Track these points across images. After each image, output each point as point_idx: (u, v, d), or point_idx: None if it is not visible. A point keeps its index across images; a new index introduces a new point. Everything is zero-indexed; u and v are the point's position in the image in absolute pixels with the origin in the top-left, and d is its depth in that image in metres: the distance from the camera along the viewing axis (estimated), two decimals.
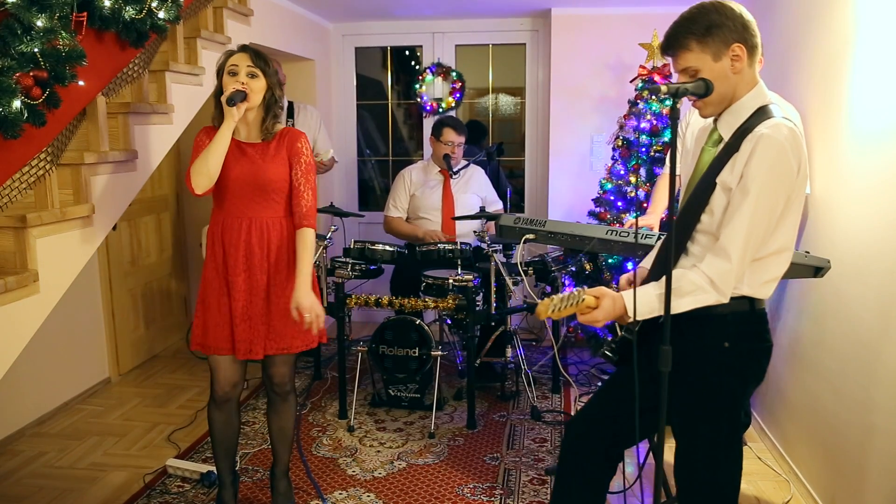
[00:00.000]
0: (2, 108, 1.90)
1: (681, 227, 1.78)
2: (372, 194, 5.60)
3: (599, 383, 4.03)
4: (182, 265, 5.08)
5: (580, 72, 4.69)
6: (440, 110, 5.15)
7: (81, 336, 3.94)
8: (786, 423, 3.08)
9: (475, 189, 4.23)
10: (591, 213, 4.16)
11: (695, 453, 1.84)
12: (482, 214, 3.77)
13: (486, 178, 4.34)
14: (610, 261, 3.94)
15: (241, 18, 3.63)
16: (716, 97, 1.73)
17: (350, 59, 5.29)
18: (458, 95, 5.16)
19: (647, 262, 2.00)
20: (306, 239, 2.40)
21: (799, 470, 2.88)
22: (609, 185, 4.10)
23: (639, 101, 4.05)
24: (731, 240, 1.66)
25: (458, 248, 3.70)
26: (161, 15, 2.58)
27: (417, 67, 5.27)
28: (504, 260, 3.98)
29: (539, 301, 1.69)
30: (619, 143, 4.08)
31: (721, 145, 1.76)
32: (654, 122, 3.97)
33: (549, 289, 3.86)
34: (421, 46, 5.23)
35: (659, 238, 2.75)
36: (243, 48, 2.40)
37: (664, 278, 1.58)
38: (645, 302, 1.68)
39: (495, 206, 4.28)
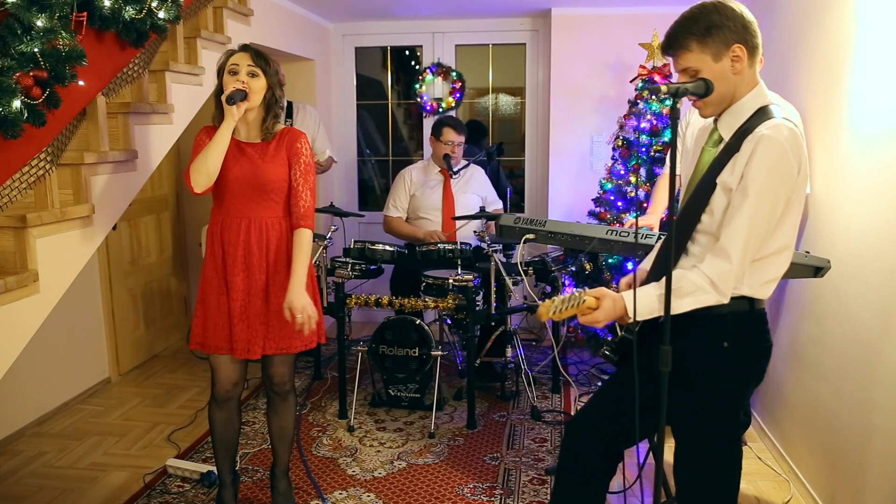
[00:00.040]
0: (2, 108, 1.90)
1: (681, 228, 1.78)
2: (372, 194, 5.60)
3: (599, 383, 4.03)
4: (182, 265, 5.08)
5: (580, 72, 4.69)
6: (440, 110, 5.15)
7: (81, 336, 3.94)
8: (786, 423, 3.08)
9: (475, 189, 4.23)
10: (591, 213, 4.16)
11: (694, 453, 1.85)
12: (482, 214, 3.77)
13: (486, 178, 4.34)
14: (610, 261, 3.94)
15: (241, 18, 3.63)
16: (716, 97, 1.72)
17: (350, 59, 5.29)
18: (458, 95, 5.16)
19: (647, 264, 2.00)
20: (302, 240, 2.40)
21: (799, 470, 2.88)
22: (609, 185, 4.10)
23: (639, 101, 4.05)
24: (732, 240, 1.66)
25: (458, 248, 3.70)
26: (161, 15, 2.58)
27: (417, 67, 5.27)
28: (504, 260, 3.98)
29: (539, 302, 1.69)
30: (619, 143, 4.08)
31: (721, 146, 1.76)
32: (654, 121, 3.97)
33: (549, 289, 3.86)
34: (421, 46, 5.23)
35: (659, 238, 2.75)
36: (244, 47, 2.40)
37: (664, 279, 1.58)
38: (645, 303, 1.69)
39: (495, 205, 4.28)
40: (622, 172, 4.04)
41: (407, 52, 5.39)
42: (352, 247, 3.84)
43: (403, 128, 5.58)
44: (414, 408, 3.66)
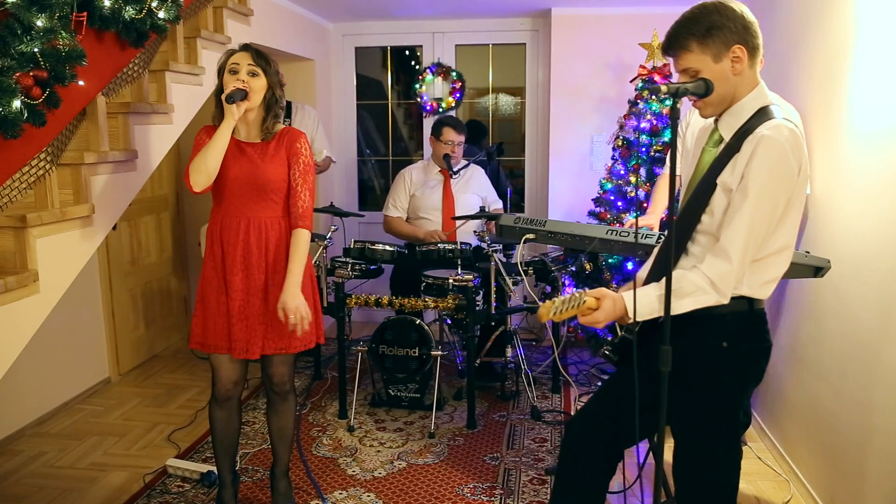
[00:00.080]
0: (2, 108, 1.90)
1: (681, 228, 1.78)
2: (372, 194, 5.60)
3: (599, 383, 4.03)
4: (182, 265, 5.08)
5: (580, 72, 4.69)
6: (440, 110, 5.15)
7: (81, 336, 3.94)
8: (786, 423, 3.08)
9: (475, 189, 4.23)
10: (591, 213, 4.16)
11: (694, 453, 1.85)
12: (482, 214, 3.77)
13: (486, 178, 4.34)
14: (610, 261, 3.94)
15: (241, 18, 3.63)
16: (716, 98, 1.72)
17: (350, 59, 5.29)
18: (458, 95, 5.16)
19: (643, 272, 1.99)
20: (300, 240, 2.40)
21: (799, 470, 2.88)
22: (609, 185, 4.10)
23: (639, 100, 4.05)
24: (732, 241, 1.66)
25: (458, 248, 3.70)
26: (161, 15, 2.58)
27: (417, 67, 5.27)
28: (504, 260, 3.98)
29: (539, 302, 1.69)
30: (619, 143, 4.08)
31: (722, 146, 1.76)
32: (654, 121, 3.97)
33: (549, 289, 3.86)
34: (421, 46, 5.23)
35: (659, 238, 2.75)
36: (245, 47, 2.40)
37: (664, 279, 1.58)
38: (645, 303, 1.69)
39: (496, 206, 4.28)
40: (622, 172, 4.04)
41: (407, 52, 5.39)
42: (352, 247, 3.84)
43: (403, 128, 5.58)
44: (414, 408, 3.66)
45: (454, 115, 4.87)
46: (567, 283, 4.04)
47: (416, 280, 3.76)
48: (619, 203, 4.02)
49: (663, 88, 1.59)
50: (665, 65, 4.02)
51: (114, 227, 3.26)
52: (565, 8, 4.63)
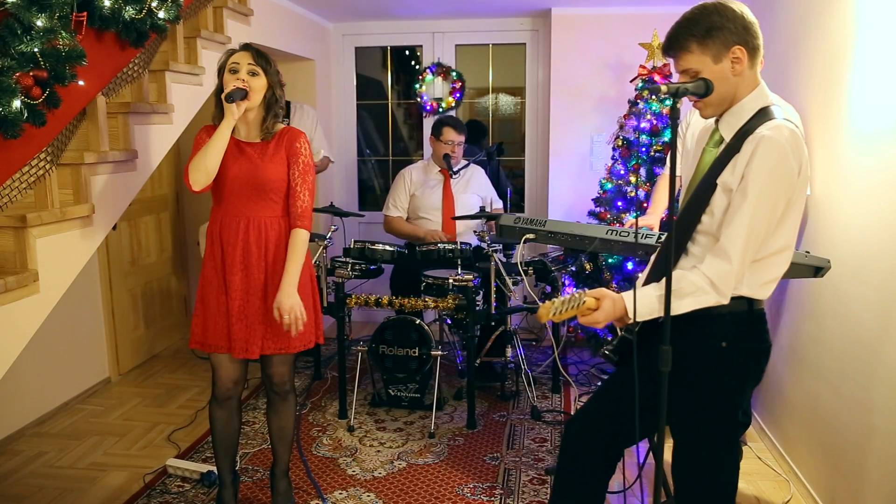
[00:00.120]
0: (2, 108, 1.90)
1: (681, 228, 1.78)
2: (372, 194, 5.60)
3: (599, 383, 4.03)
4: (182, 265, 5.08)
5: (580, 72, 4.69)
6: (440, 110, 5.15)
7: (81, 336, 3.94)
8: (786, 423, 3.08)
9: (475, 189, 4.23)
10: (591, 213, 4.16)
11: (693, 453, 1.85)
12: (482, 214, 3.77)
13: (487, 178, 4.34)
14: (610, 261, 3.94)
15: (241, 18, 3.63)
16: (716, 98, 1.72)
17: (350, 58, 5.29)
18: (458, 95, 5.16)
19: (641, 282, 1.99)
20: (297, 240, 2.40)
21: (799, 470, 2.88)
22: (609, 185, 4.10)
23: (639, 100, 4.05)
24: (732, 241, 1.66)
25: (458, 248, 3.70)
26: (161, 15, 2.58)
27: (417, 67, 5.27)
28: (504, 260, 3.98)
29: (539, 302, 1.69)
30: (619, 143, 4.08)
31: (722, 146, 1.76)
32: (654, 121, 3.97)
33: (549, 289, 3.86)
34: (421, 46, 5.23)
35: (659, 238, 2.75)
36: (245, 46, 2.40)
37: (664, 279, 1.58)
38: (645, 303, 1.69)
39: (496, 206, 4.28)
40: (622, 172, 4.04)
41: (407, 52, 5.39)
42: (352, 247, 3.84)
43: (403, 128, 5.58)
44: (414, 408, 3.66)
45: (454, 115, 4.87)
46: (567, 283, 4.04)
47: (416, 280, 3.76)
48: (619, 203, 4.02)
49: (663, 88, 1.59)
50: (665, 65, 4.02)
51: (114, 227, 3.26)
52: (565, 8, 4.63)
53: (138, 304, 4.49)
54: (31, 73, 1.99)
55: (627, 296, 1.70)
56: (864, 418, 2.36)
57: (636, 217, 3.36)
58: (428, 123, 5.13)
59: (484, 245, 3.52)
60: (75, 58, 2.10)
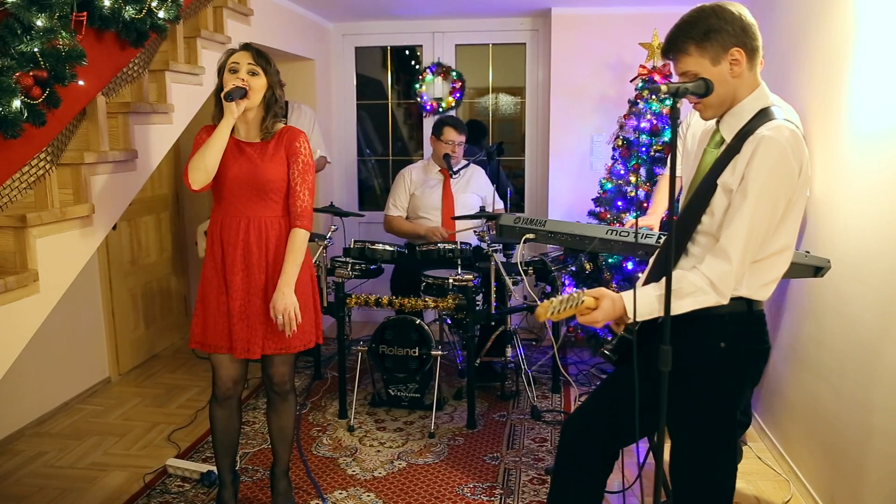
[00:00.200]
0: (2, 108, 1.90)
1: (681, 228, 1.78)
2: (372, 194, 5.60)
3: (599, 383, 4.03)
4: (182, 264, 5.08)
5: (580, 71, 4.69)
6: (440, 110, 5.15)
7: (81, 336, 3.94)
8: (786, 423, 3.08)
9: (475, 189, 4.23)
10: (591, 213, 4.16)
11: (692, 453, 1.84)
12: (482, 214, 3.77)
13: (486, 178, 4.34)
14: (610, 260, 3.94)
15: (241, 18, 3.63)
16: (715, 100, 1.73)
17: (350, 58, 5.29)
18: (458, 95, 5.16)
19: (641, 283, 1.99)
20: (296, 240, 2.40)
21: (799, 470, 2.88)
22: (609, 185, 4.10)
23: (639, 100, 4.05)
24: (732, 241, 1.66)
25: (458, 247, 3.70)
26: (161, 14, 2.58)
27: (417, 67, 5.26)
28: (504, 260, 3.98)
29: (539, 302, 1.69)
30: (619, 143, 4.08)
31: (723, 147, 1.76)
32: (654, 121, 3.97)
33: (549, 289, 3.86)
34: (421, 46, 5.23)
35: (659, 238, 2.75)
36: (245, 46, 2.40)
37: (664, 279, 1.58)
38: (645, 303, 1.69)
39: (498, 206, 4.28)
40: (622, 172, 4.04)
41: (407, 52, 5.39)
42: (352, 246, 3.84)
43: (403, 128, 5.58)
44: (414, 408, 3.66)
45: (455, 115, 4.87)
46: (567, 282, 4.04)
47: (416, 280, 3.76)
48: (619, 203, 4.02)
49: (663, 88, 1.59)
50: (665, 64, 4.02)
51: (114, 227, 3.26)
52: (565, 8, 4.63)
53: (138, 304, 4.49)
54: (31, 73, 1.99)
55: (627, 295, 1.70)
56: (864, 418, 2.36)
57: (636, 217, 3.36)
58: (428, 123, 5.13)
59: (484, 245, 3.52)
60: (75, 58, 2.10)
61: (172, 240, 4.94)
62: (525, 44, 5.09)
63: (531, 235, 2.86)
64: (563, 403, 3.80)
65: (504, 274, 3.51)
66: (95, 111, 2.49)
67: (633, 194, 3.96)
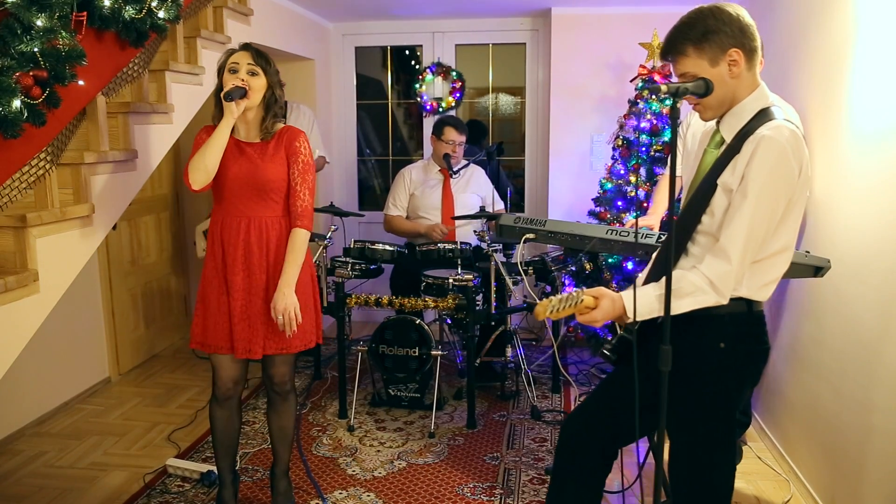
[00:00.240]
0: (2, 108, 1.90)
1: (681, 228, 1.78)
2: (372, 194, 5.60)
3: (598, 383, 4.03)
4: (182, 264, 5.08)
5: (580, 71, 4.69)
6: (440, 110, 5.15)
7: (81, 336, 3.94)
8: (786, 423, 3.08)
9: (475, 189, 4.23)
10: (591, 213, 4.16)
11: (691, 452, 1.84)
12: (482, 214, 3.77)
13: (486, 178, 4.34)
14: (610, 260, 3.94)
15: (241, 18, 3.63)
16: (715, 101, 1.73)
17: (350, 58, 5.29)
18: (458, 95, 5.16)
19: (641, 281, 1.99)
20: (296, 240, 2.40)
21: (799, 470, 2.88)
22: (609, 185, 4.10)
23: (639, 100, 4.05)
24: (731, 241, 1.66)
25: (458, 247, 3.70)
26: (161, 14, 2.58)
27: (417, 67, 5.27)
28: (504, 260, 3.98)
29: (538, 301, 1.69)
30: (619, 143, 4.08)
31: (723, 147, 1.77)
32: (654, 121, 3.97)
33: (549, 288, 3.86)
34: (421, 46, 5.23)
35: (659, 238, 2.75)
36: (245, 46, 2.40)
37: (664, 279, 1.58)
38: (644, 303, 1.69)
39: (498, 206, 4.28)
40: (622, 172, 4.04)
41: (407, 52, 5.39)
42: (352, 246, 3.84)
43: (403, 127, 5.58)
44: (414, 407, 3.66)
45: (455, 115, 4.87)
46: (567, 282, 4.04)
47: (416, 280, 3.76)
48: (619, 203, 4.02)
49: (663, 88, 1.59)
50: (665, 64, 4.02)
51: (114, 227, 3.25)
52: (565, 8, 4.63)
53: (138, 304, 4.49)
54: (31, 73, 1.99)
55: (626, 295, 1.70)
56: (864, 418, 2.36)
57: (636, 217, 3.36)
58: (428, 123, 5.13)
59: (484, 245, 3.52)
60: (75, 57, 2.10)
61: (172, 240, 4.94)
62: (525, 44, 5.09)
63: (531, 235, 2.87)
64: (563, 403, 3.80)
65: (504, 274, 3.51)
66: (95, 111, 2.49)
67: (633, 194, 3.96)
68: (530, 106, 5.14)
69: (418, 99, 5.23)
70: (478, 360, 3.72)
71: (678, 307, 1.67)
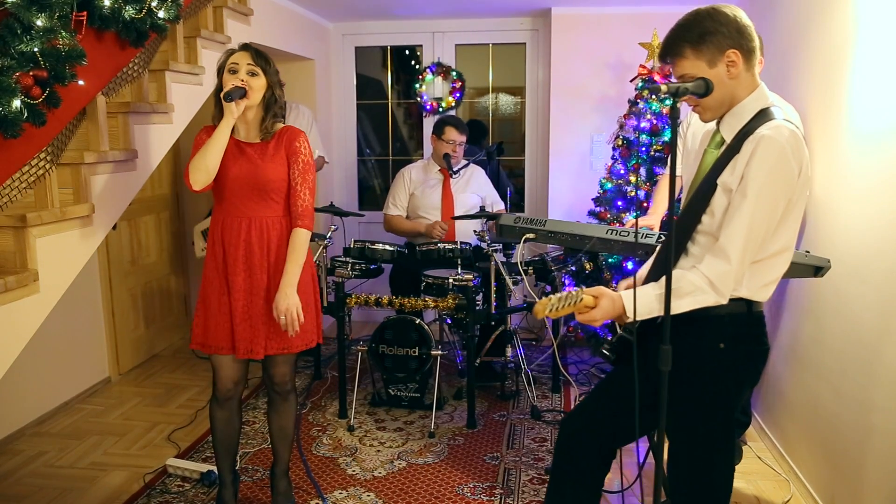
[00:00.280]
0: (2, 108, 1.90)
1: (681, 228, 1.78)
2: (372, 194, 5.60)
3: (597, 382, 4.03)
4: (182, 264, 5.08)
5: (580, 71, 4.69)
6: (440, 110, 5.15)
7: (81, 336, 3.94)
8: (786, 423, 3.08)
9: (475, 188, 4.23)
10: (591, 213, 4.16)
11: (691, 452, 1.85)
12: (482, 214, 3.77)
13: (486, 178, 4.35)
14: (610, 260, 3.94)
15: (241, 18, 3.63)
16: (714, 102, 1.73)
17: (350, 58, 5.29)
18: (458, 95, 5.16)
19: (644, 272, 1.99)
20: (297, 239, 2.40)
21: (799, 470, 2.88)
22: (609, 185, 4.10)
23: (639, 100, 4.05)
24: (731, 241, 1.66)
25: (458, 247, 3.70)
26: (161, 14, 2.58)
27: (417, 67, 5.27)
28: (504, 259, 3.98)
29: (538, 301, 1.69)
30: (619, 143, 4.08)
31: (723, 147, 1.77)
32: (654, 121, 3.97)
33: (549, 288, 3.86)
34: (421, 46, 5.23)
35: (659, 238, 2.75)
36: (244, 46, 2.40)
37: (663, 279, 1.58)
38: (644, 303, 1.69)
39: (498, 206, 4.28)
40: (622, 172, 4.04)
41: (407, 52, 5.39)
42: (352, 246, 3.84)
43: (403, 127, 5.58)
44: (414, 407, 3.66)
45: (456, 115, 4.87)
46: (567, 282, 4.04)
47: (416, 280, 3.76)
48: (619, 202, 4.02)
49: (663, 88, 1.60)
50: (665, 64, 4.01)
51: (114, 227, 3.25)
52: (565, 7, 4.63)
53: (138, 304, 4.49)
54: (31, 73, 1.99)
55: (626, 295, 1.70)
56: (864, 418, 2.36)
57: (636, 217, 3.36)
58: (428, 123, 5.13)
59: (484, 245, 3.52)
60: (75, 57, 2.10)
61: (172, 240, 4.94)
62: (525, 44, 5.09)
63: (531, 235, 2.87)
64: (563, 403, 3.80)
65: (504, 274, 3.51)
66: (95, 111, 2.49)
67: (633, 194, 3.96)
68: (530, 106, 5.14)
69: (418, 99, 5.23)
70: (478, 360, 3.72)
71: (678, 307, 1.67)
